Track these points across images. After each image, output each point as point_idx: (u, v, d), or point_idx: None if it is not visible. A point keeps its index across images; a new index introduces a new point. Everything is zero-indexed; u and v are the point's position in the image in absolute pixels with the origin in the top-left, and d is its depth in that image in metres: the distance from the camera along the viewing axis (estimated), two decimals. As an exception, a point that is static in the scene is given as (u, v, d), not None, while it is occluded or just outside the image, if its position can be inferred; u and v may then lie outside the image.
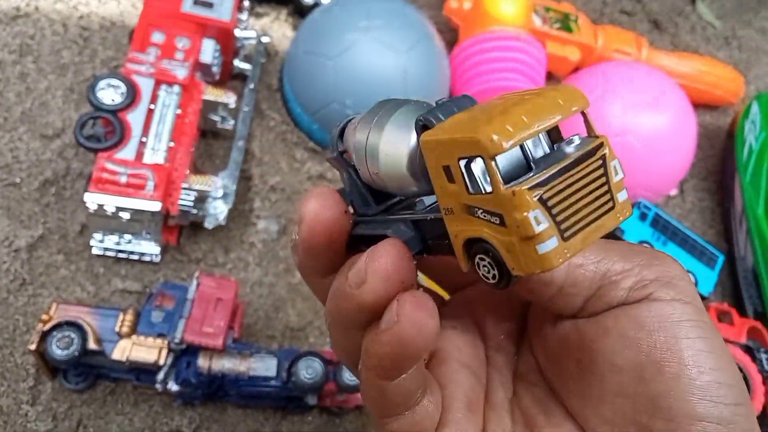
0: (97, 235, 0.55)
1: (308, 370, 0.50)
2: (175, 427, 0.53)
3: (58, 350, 0.47)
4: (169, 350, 0.49)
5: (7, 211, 0.58)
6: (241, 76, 0.68)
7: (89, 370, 0.52)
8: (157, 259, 0.58)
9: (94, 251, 0.57)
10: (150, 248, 0.57)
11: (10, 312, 0.54)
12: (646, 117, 0.66)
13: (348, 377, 0.50)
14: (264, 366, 0.50)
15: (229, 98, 0.60)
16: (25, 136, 0.61)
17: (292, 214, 0.63)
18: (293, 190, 0.64)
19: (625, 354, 0.21)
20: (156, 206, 0.52)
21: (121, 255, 0.57)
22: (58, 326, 0.48)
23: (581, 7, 0.78)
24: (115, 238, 0.56)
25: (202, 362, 0.49)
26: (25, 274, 0.56)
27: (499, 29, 0.68)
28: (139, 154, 0.53)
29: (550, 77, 0.74)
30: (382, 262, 0.20)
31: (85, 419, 0.52)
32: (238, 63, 0.67)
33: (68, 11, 0.69)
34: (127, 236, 0.56)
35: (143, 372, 0.52)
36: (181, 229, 0.59)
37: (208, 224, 0.57)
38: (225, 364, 0.49)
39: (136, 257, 0.57)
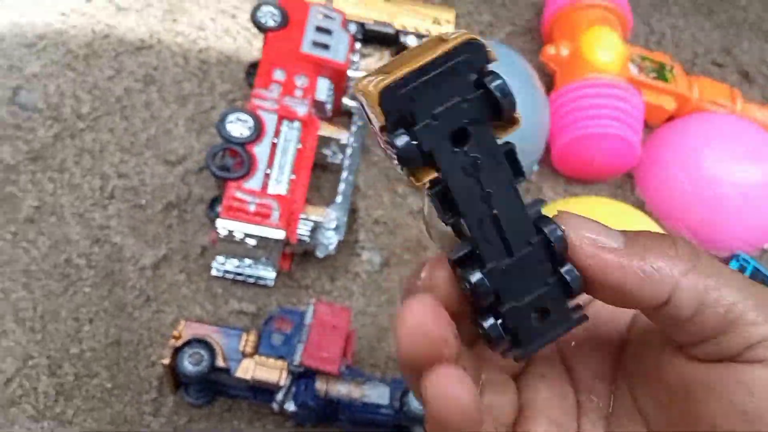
0: (220, 258, 0.59)
1: (417, 402, 0.52)
2: (285, 446, 0.55)
3: (189, 366, 0.50)
4: (288, 372, 0.52)
5: (133, 230, 0.62)
6: (347, 113, 0.72)
7: (210, 386, 0.55)
8: (271, 284, 0.61)
9: (213, 273, 0.61)
10: (266, 273, 0.60)
11: (135, 326, 0.58)
12: (743, 168, 0.67)
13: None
14: (377, 393, 0.52)
15: (342, 135, 0.63)
16: (151, 161, 0.66)
17: (394, 247, 0.66)
18: (395, 223, 0.67)
19: (729, 417, 0.20)
20: (281, 234, 0.55)
21: (238, 278, 0.61)
22: (188, 343, 0.51)
23: (673, 58, 0.80)
24: (235, 261, 0.59)
25: (320, 386, 0.52)
26: (149, 291, 0.60)
27: (597, 77, 0.71)
28: (264, 185, 0.57)
29: (645, 126, 0.75)
30: (406, 324, 0.19)
31: (202, 433, 0.55)
32: (346, 101, 0.70)
33: (188, 45, 0.74)
34: (248, 261, 0.59)
35: (260, 391, 0.55)
36: (293, 257, 0.62)
37: (320, 253, 0.60)
38: (340, 389, 0.52)
39: (252, 281, 0.61)
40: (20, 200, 0.62)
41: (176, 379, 0.54)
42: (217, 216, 0.62)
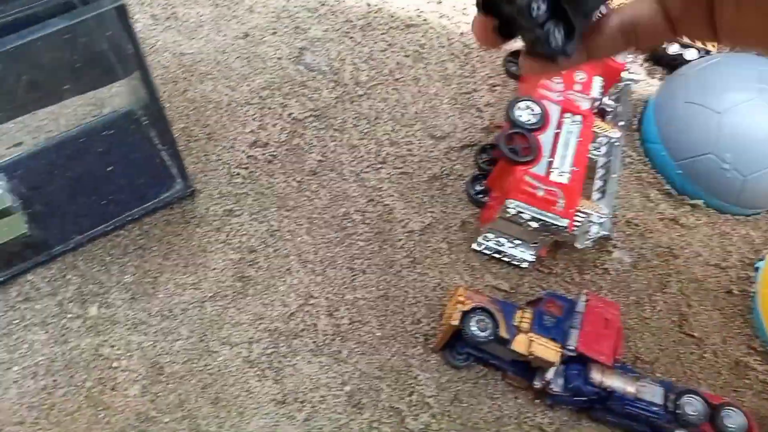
0: (490, 235, 0.62)
1: (691, 407, 0.53)
2: (536, 424, 0.58)
3: (477, 330, 0.54)
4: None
5: (401, 195, 0.66)
6: (599, 112, 0.73)
7: (473, 351, 0.58)
8: (525, 266, 0.64)
9: (474, 247, 0.64)
10: (526, 256, 0.63)
11: (401, 284, 0.62)
12: None
13: (729, 423, 0.52)
14: (651, 392, 0.53)
15: (615, 132, 0.65)
16: (418, 134, 0.70)
17: (644, 251, 0.67)
18: (647, 227, 0.68)
19: None
20: (564, 222, 0.57)
21: (496, 255, 0.63)
22: (474, 310, 0.55)
23: None
24: (501, 240, 0.62)
25: (595, 375, 0.54)
26: (416, 253, 0.63)
27: None
28: (548, 173, 0.59)
29: None
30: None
31: (460, 394, 0.58)
32: (606, 100, 0.71)
33: (451, 27, 0.77)
34: (517, 241, 0.62)
35: (520, 365, 0.57)
36: (554, 245, 0.64)
37: (579, 244, 0.62)
38: (615, 382, 0.54)
39: (508, 260, 0.63)
40: (306, 152, 0.67)
41: (449, 339, 0.57)
42: (477, 194, 0.66)
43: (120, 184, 0.60)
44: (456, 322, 0.54)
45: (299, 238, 0.63)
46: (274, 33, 0.73)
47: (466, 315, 0.55)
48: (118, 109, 0.62)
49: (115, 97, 0.61)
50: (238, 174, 0.65)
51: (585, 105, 0.63)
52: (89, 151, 0.59)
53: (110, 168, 0.60)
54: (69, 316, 0.57)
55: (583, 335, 0.55)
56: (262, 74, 0.70)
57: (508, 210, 0.57)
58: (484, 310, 0.55)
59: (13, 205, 0.53)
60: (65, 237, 0.58)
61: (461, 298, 0.56)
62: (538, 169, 0.59)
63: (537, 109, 0.61)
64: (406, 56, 0.74)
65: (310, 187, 0.65)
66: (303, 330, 0.59)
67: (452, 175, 0.68)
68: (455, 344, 0.59)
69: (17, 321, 0.56)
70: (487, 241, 0.63)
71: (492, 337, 0.54)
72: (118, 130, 0.61)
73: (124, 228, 0.61)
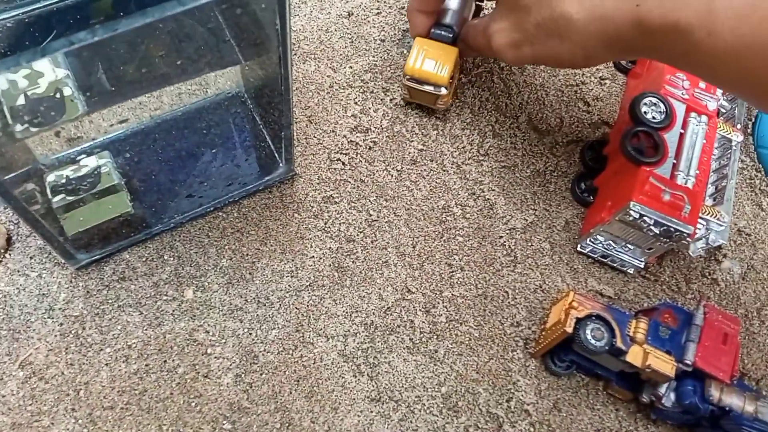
0: (600, 237, 0.59)
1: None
2: (641, 438, 0.55)
3: (592, 339, 0.51)
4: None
5: (503, 190, 0.63)
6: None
7: (576, 359, 0.55)
8: (632, 272, 0.60)
9: (579, 249, 0.61)
10: (635, 261, 0.59)
11: (501, 283, 0.60)
12: None
13: None
14: (772, 413, 0.50)
15: (737, 136, 0.61)
16: (523, 126, 0.66)
17: (755, 262, 0.63)
18: (758, 237, 0.64)
19: None
20: (689, 229, 0.54)
21: (601, 259, 0.60)
22: (588, 317, 0.52)
23: None
24: (612, 243, 0.59)
25: (714, 392, 0.51)
26: (517, 252, 0.61)
27: None
28: (672, 176, 0.56)
29: None
30: None
31: (560, 403, 0.56)
32: (722, 101, 0.67)
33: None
34: (628, 246, 0.58)
35: (626, 377, 0.54)
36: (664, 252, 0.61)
37: (692, 252, 0.59)
38: (734, 400, 0.51)
39: (613, 264, 0.60)
40: (407, 141, 0.64)
41: (555, 346, 0.55)
42: (582, 193, 0.62)
43: (222, 165, 0.58)
44: (570, 329, 0.51)
45: (397, 230, 0.61)
46: (378, 13, 0.70)
47: (579, 322, 0.52)
48: (225, 90, 0.61)
49: (220, 77, 0.59)
50: (338, 160, 0.62)
51: (711, 105, 0.59)
52: (193, 131, 0.57)
53: (214, 150, 0.58)
54: (164, 298, 0.56)
55: (701, 350, 0.52)
56: (365, 56, 0.67)
57: (631, 213, 0.54)
58: (599, 317, 0.52)
59: (119, 182, 0.52)
60: (164, 216, 0.56)
61: (574, 304, 0.53)
62: (663, 171, 0.56)
63: (663, 107, 0.58)
64: (510, 43, 0.70)
65: (410, 176, 0.63)
66: (399, 326, 0.57)
67: (556, 172, 0.65)
68: (557, 350, 0.56)
69: (112, 300, 0.55)
70: (595, 243, 0.60)
71: (607, 347, 0.51)
72: (224, 111, 0.59)
73: (223, 210, 0.59)
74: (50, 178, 0.51)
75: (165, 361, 0.54)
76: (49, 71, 0.38)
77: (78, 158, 0.51)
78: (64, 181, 0.50)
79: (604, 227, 0.58)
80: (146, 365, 0.53)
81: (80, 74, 0.39)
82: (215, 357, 0.54)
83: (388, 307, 0.58)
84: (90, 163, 0.52)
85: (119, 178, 0.52)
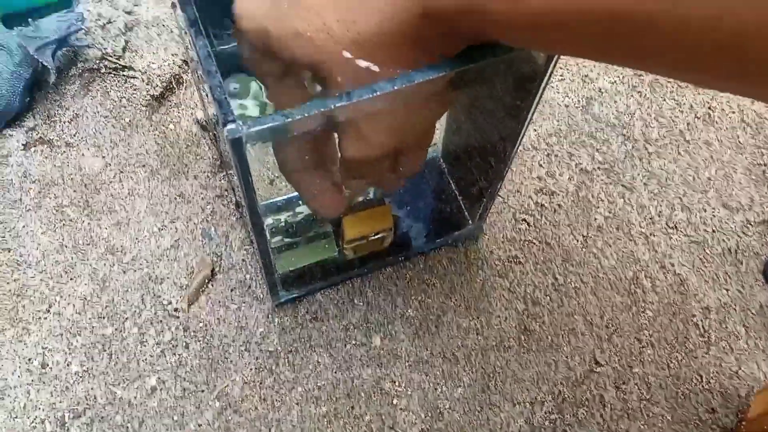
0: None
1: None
2: None
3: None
4: None
5: (693, 266, 0.61)
6: None
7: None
8: (840, 367, 0.56)
9: (780, 336, 0.57)
10: None
11: (694, 365, 0.56)
12: None
13: None
14: None
15: None
16: (712, 201, 0.64)
17: None
18: None
19: None
20: None
21: (806, 350, 0.56)
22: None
23: None
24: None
25: None
26: (711, 333, 0.58)
27: None
28: None
29: None
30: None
31: (764, 502, 0.51)
32: None
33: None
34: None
35: None
36: None
37: None
38: None
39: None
40: (593, 206, 0.63)
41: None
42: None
43: (416, 219, 0.59)
44: (791, 424, 0.48)
45: (584, 297, 0.59)
46: (562, 79, 0.70)
47: (801, 417, 0.48)
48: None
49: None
50: (523, 220, 0.62)
51: None
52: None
53: (407, 207, 0.59)
54: (353, 342, 0.55)
55: None
56: (549, 120, 0.68)
57: None
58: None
59: (330, 228, 0.53)
60: (358, 263, 0.57)
61: (792, 397, 0.49)
62: None
63: None
64: (697, 118, 0.69)
65: (596, 243, 0.61)
66: (587, 399, 0.55)
67: (748, 252, 0.62)
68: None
69: (304, 339, 0.55)
70: (801, 332, 0.56)
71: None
72: (420, 174, 0.60)
73: (411, 261, 0.59)
74: (268, 221, 0.53)
75: (352, 407, 0.53)
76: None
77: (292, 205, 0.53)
78: (282, 224, 0.52)
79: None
80: (335, 409, 0.53)
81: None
82: (401, 409, 0.53)
83: (576, 378, 0.55)
84: (305, 210, 0.54)
85: (329, 225, 0.53)
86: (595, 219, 0.63)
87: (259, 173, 0.59)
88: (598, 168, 0.65)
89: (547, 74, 0.39)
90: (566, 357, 0.56)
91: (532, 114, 0.43)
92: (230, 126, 0.32)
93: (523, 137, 0.46)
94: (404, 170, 0.37)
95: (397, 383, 0.54)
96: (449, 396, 0.54)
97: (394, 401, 0.54)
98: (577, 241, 0.62)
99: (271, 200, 0.56)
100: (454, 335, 0.56)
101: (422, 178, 0.61)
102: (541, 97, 0.41)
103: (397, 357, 0.55)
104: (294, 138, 0.33)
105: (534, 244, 0.61)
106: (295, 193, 0.57)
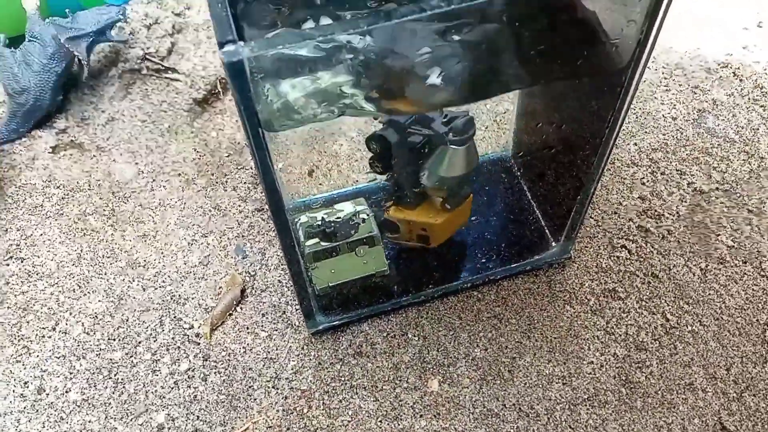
0: None
1: None
2: None
3: None
4: None
5: None
6: None
7: None
8: None
9: None
10: None
11: None
12: None
13: None
14: None
15: None
16: None
17: None
18: None
19: None
20: None
21: None
22: None
23: None
24: None
25: None
26: None
27: None
28: None
29: None
30: None
31: None
32: None
33: None
34: None
35: None
36: None
37: None
38: None
39: None
40: (712, 233, 0.51)
41: None
42: None
43: (481, 237, 0.49)
44: None
45: (704, 344, 0.46)
46: (668, 90, 0.60)
47: None
48: (486, 153, 0.52)
49: (480, 141, 0.51)
50: (623, 247, 0.50)
51: None
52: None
53: (472, 218, 0.49)
54: (405, 385, 0.45)
55: None
56: (652, 133, 0.57)
57: None
58: None
59: (377, 234, 0.44)
60: (413, 287, 0.47)
61: None
62: None
63: None
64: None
65: (719, 278, 0.49)
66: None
67: None
68: None
69: (345, 378, 0.45)
70: None
71: None
72: (484, 175, 0.50)
73: (479, 289, 0.48)
74: (302, 219, 0.44)
75: (400, 469, 0.42)
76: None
77: (333, 202, 0.45)
78: (319, 222, 0.43)
79: None
80: (378, 470, 0.42)
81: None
82: (462, 475, 0.41)
83: (687, 448, 0.42)
84: (346, 208, 0.45)
85: (378, 230, 0.44)
86: (716, 249, 0.50)
87: (301, 159, 0.51)
88: (717, 188, 0.53)
89: (638, 73, 0.30)
90: (682, 419, 0.43)
91: (623, 117, 0.34)
92: (228, 47, 0.24)
93: (614, 143, 0.36)
94: None
95: (460, 440, 0.43)
96: (526, 461, 0.42)
97: (455, 464, 0.42)
98: (694, 274, 0.49)
99: (304, 199, 0.48)
100: (534, 383, 0.45)
101: (491, 183, 0.51)
102: (632, 97, 0.32)
103: (460, 407, 0.44)
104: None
105: (637, 276, 0.49)
106: (336, 190, 0.48)
